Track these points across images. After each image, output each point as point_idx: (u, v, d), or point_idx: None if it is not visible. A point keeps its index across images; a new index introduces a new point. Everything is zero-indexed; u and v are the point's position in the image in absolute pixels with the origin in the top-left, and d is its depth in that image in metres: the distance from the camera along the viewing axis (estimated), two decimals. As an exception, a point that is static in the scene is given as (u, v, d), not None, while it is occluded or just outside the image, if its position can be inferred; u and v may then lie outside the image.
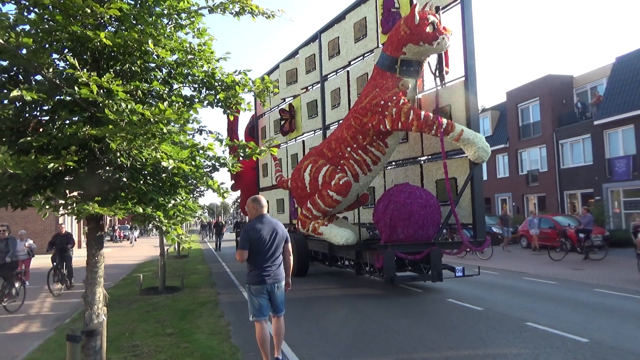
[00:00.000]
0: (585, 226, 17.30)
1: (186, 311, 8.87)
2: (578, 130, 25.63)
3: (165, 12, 5.37)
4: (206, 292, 10.79)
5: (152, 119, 4.45)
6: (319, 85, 13.06)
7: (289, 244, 5.60)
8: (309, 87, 13.61)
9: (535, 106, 28.58)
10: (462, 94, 9.35)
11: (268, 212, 6.02)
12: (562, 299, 9.23)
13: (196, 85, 5.95)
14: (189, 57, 5.67)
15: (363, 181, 9.76)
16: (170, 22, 5.55)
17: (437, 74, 9.79)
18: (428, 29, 8.89)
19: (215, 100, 6.00)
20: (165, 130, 4.96)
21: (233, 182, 17.62)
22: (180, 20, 5.56)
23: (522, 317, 7.73)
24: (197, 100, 5.97)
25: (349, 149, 9.66)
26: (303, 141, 13.79)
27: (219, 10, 5.85)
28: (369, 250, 9.66)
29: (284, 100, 14.81)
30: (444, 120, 8.79)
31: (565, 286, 10.71)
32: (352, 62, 12.01)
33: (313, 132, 13.43)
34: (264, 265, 5.25)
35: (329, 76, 12.81)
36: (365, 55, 11.53)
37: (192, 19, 5.62)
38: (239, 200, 25.00)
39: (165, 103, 4.99)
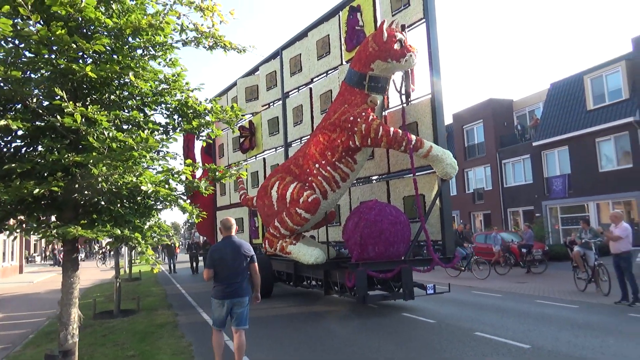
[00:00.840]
0: (527, 241, 18.09)
1: (145, 333, 8.32)
2: (519, 151, 26.47)
3: (142, 44, 5.57)
4: (164, 314, 10.27)
5: (135, 147, 4.65)
6: (280, 102, 12.64)
7: (255, 264, 5.71)
8: (270, 104, 13.16)
9: (479, 128, 29.37)
10: (428, 111, 9.19)
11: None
12: (507, 310, 9.61)
13: (169, 113, 6.21)
14: (164, 86, 5.96)
15: (331, 198, 9.35)
16: (144, 53, 5.71)
17: (402, 91, 9.62)
18: (396, 46, 8.71)
19: (189, 128, 6.28)
20: (148, 157, 5.38)
21: (189, 201, 16.71)
22: (153, 51, 5.79)
23: (471, 327, 8.06)
24: (171, 127, 6.27)
25: (317, 165, 9.25)
26: (264, 159, 13.26)
27: (192, 44, 6.12)
28: (338, 269, 9.21)
29: (244, 117, 14.26)
30: (413, 137, 8.57)
31: (509, 298, 11.11)
32: (314, 79, 11.69)
33: (274, 149, 12.95)
34: (225, 283, 5.49)
35: (290, 93, 12.43)
36: (329, 72, 11.25)
37: (165, 50, 5.86)
38: (189, 221, 23.92)
39: (146, 131, 5.28)
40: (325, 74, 11.34)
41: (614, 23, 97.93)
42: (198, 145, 18.00)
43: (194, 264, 23.60)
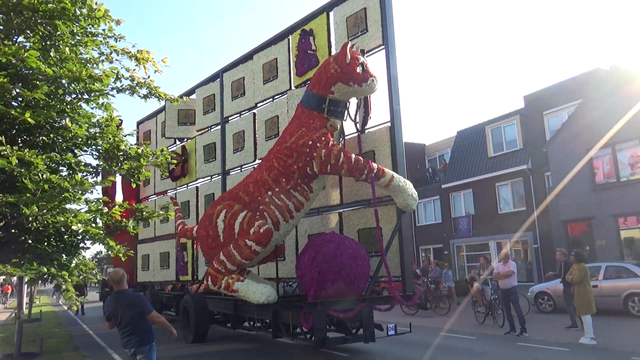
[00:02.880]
0: (436, 278, 18.09)
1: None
2: (429, 192, 26.81)
3: (77, 91, 5.58)
4: (70, 356, 9.19)
5: (69, 189, 4.69)
6: (219, 127, 11.18)
7: (152, 313, 5.16)
8: (207, 129, 11.62)
9: (392, 169, 29.57)
10: (387, 139, 8.30)
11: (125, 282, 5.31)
12: (414, 343, 9.56)
13: (98, 154, 6.13)
14: (96, 130, 5.93)
15: (283, 230, 8.01)
16: (78, 98, 5.70)
17: (356, 119, 8.70)
18: (358, 70, 7.80)
19: (123, 172, 6.31)
20: (82, 199, 5.50)
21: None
22: (87, 96, 5.80)
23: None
24: (101, 169, 6.29)
25: (270, 192, 7.90)
26: (197, 187, 11.56)
27: (127, 92, 6.16)
28: (291, 309, 7.76)
29: (175, 142, 12.50)
30: (375, 165, 7.59)
31: (417, 332, 10.62)
32: (259, 104, 10.44)
33: (209, 177, 11.34)
34: (122, 334, 5.18)
35: (231, 118, 11.04)
36: (276, 97, 10.07)
37: (98, 95, 5.87)
38: (97, 256, 20.96)
39: (80, 175, 5.38)
40: (271, 99, 10.14)
41: (511, 80, 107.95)
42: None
43: None
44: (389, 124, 8.28)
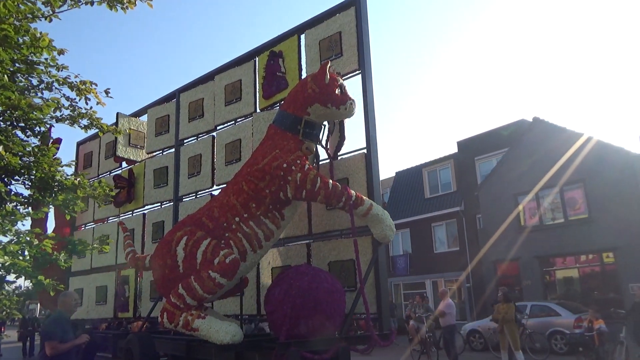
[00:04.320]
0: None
1: None
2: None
3: (14, 118, 5.29)
4: None
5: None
6: (172, 150, 9.96)
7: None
8: (159, 152, 10.32)
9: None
10: (362, 166, 7.58)
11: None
12: None
13: (31, 184, 5.76)
14: (31, 159, 5.54)
15: (250, 261, 6.90)
16: (12, 127, 5.41)
17: (328, 144, 7.96)
18: (337, 91, 7.11)
19: (58, 204, 5.98)
20: (13, 231, 5.44)
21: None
22: (22, 124, 5.49)
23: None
24: (33, 199, 5.87)
25: (237, 219, 6.81)
26: (144, 214, 10.10)
27: (66, 122, 5.90)
28: (258, 351, 6.56)
29: (121, 165, 11.00)
30: (353, 192, 6.79)
31: None
32: (219, 127, 9.42)
33: (159, 204, 9.97)
34: None
35: (186, 140, 9.88)
36: (239, 120, 9.13)
37: (34, 122, 5.56)
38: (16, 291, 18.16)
39: (11, 205, 5.36)
40: (234, 122, 9.18)
41: (447, 124, 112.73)
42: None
43: (28, 344, 17.73)
44: (365, 150, 7.59)
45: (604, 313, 13.22)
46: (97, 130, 6.30)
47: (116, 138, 10.13)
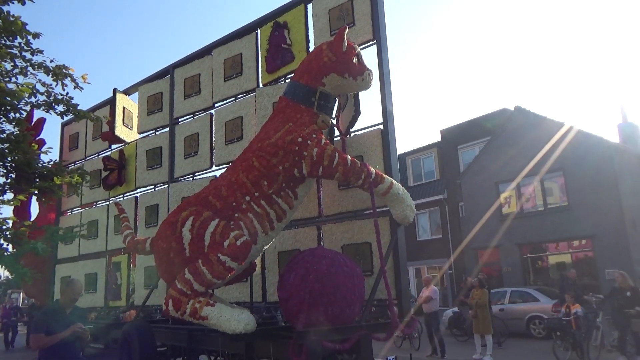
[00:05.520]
0: None
1: None
2: (354, 219, 25.95)
3: None
4: None
5: None
6: (167, 129, 9.05)
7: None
8: (151, 131, 9.38)
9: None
10: (378, 143, 6.89)
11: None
12: None
13: (6, 171, 5.63)
14: (6, 145, 5.41)
15: (261, 243, 6.14)
16: None
17: (339, 120, 7.25)
18: (355, 60, 6.40)
19: (33, 191, 5.86)
20: None
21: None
22: None
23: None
24: (8, 187, 5.78)
25: (247, 197, 6.02)
26: (136, 198, 9.15)
27: (42, 108, 5.79)
28: (272, 341, 5.84)
29: (110, 147, 9.99)
30: (372, 169, 6.12)
31: None
32: (217, 104, 8.59)
33: (153, 186, 9.06)
34: None
35: (182, 119, 8.99)
36: (239, 96, 8.32)
37: (8, 108, 5.36)
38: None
39: None
40: (234, 98, 8.36)
41: (430, 113, 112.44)
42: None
43: (10, 336, 16.66)
44: (381, 126, 6.90)
45: (580, 299, 13.13)
46: (72, 116, 6.12)
47: (114, 116, 9.19)
